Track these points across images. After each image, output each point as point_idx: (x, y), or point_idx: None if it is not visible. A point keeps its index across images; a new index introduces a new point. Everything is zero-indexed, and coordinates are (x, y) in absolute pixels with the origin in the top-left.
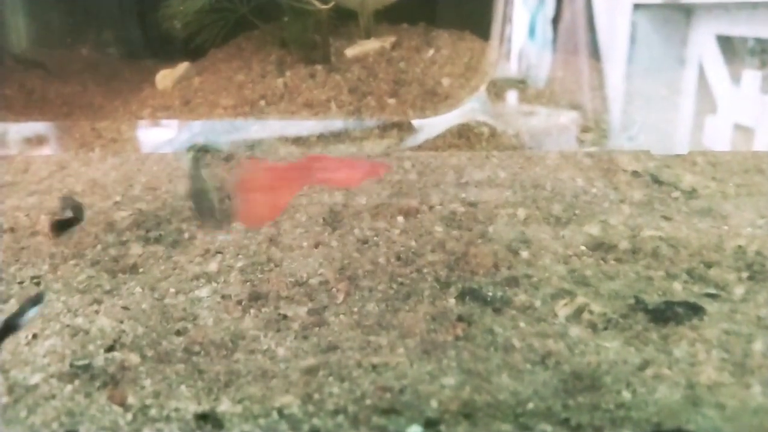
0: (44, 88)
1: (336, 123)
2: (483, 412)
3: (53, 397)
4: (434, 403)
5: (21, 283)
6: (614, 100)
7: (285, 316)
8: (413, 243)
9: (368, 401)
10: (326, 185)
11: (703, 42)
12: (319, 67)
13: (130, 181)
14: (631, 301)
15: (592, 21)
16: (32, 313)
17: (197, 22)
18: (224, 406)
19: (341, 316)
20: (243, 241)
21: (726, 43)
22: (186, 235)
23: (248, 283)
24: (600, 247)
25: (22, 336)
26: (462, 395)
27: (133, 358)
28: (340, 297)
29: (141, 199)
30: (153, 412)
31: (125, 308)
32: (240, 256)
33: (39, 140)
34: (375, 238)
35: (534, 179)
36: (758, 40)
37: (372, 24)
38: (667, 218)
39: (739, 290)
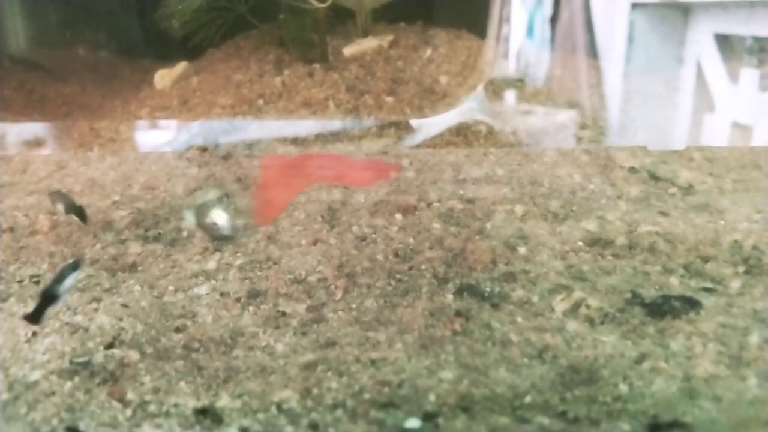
0: (43, 88)
1: (334, 122)
2: (481, 405)
3: (53, 393)
4: (432, 397)
5: (20, 281)
6: (612, 98)
7: (284, 313)
8: (411, 240)
9: (367, 395)
10: (337, 184)
11: (701, 40)
12: (317, 65)
13: (128, 180)
14: (628, 295)
15: (590, 20)
16: (71, 280)
17: (195, 22)
18: (223, 402)
19: (340, 313)
20: (242, 239)
21: (724, 42)
22: (184, 234)
23: (247, 281)
24: (597, 242)
25: (22, 334)
26: (460, 389)
27: (133, 355)
28: (339, 294)
29: (140, 199)
30: (152, 407)
31: (124, 306)
32: (238, 254)
33: (37, 140)
34: (373, 235)
35: (531, 176)
36: (756, 39)
37: (369, 23)
38: (664, 214)
39: (735, 284)
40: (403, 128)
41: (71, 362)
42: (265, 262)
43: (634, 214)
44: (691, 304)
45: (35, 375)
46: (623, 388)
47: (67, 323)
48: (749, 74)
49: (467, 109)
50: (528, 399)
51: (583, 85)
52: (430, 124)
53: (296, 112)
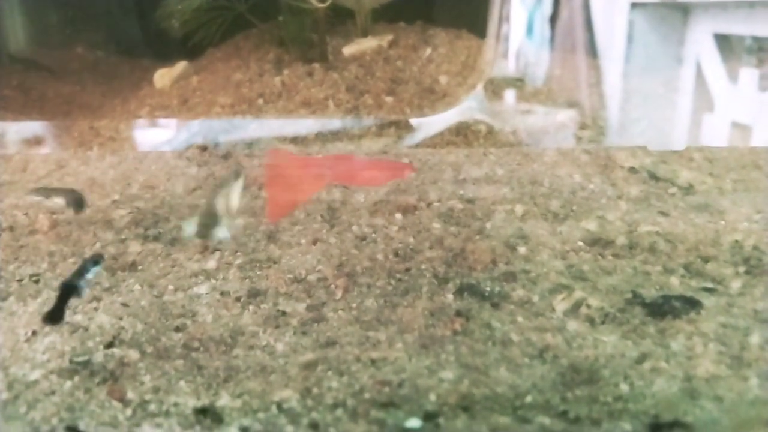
0: (43, 87)
1: (334, 121)
2: (481, 405)
3: (53, 393)
4: (433, 397)
5: (20, 280)
6: (612, 97)
7: (284, 313)
8: (411, 239)
9: (367, 395)
10: (351, 184)
11: (700, 40)
12: (316, 65)
13: (128, 179)
14: (629, 295)
15: (589, 19)
16: (92, 274)
17: (195, 21)
18: (223, 401)
19: (340, 312)
20: (241, 239)
21: (723, 42)
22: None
23: (247, 280)
24: (597, 242)
25: (21, 333)
26: (460, 389)
27: (133, 355)
28: (339, 293)
29: (139, 198)
30: (152, 407)
31: (124, 305)
32: (238, 253)
33: (37, 139)
34: (373, 235)
35: (531, 176)
36: (755, 39)
37: (369, 22)
38: (664, 214)
39: (736, 284)
40: (402, 127)
41: (71, 361)
42: (265, 261)
43: (634, 214)
44: (692, 304)
45: (35, 374)
46: (624, 387)
47: (67, 322)
48: (748, 74)
49: (467, 108)
50: (529, 399)
51: (583, 84)
52: (430, 124)
53: (296, 112)
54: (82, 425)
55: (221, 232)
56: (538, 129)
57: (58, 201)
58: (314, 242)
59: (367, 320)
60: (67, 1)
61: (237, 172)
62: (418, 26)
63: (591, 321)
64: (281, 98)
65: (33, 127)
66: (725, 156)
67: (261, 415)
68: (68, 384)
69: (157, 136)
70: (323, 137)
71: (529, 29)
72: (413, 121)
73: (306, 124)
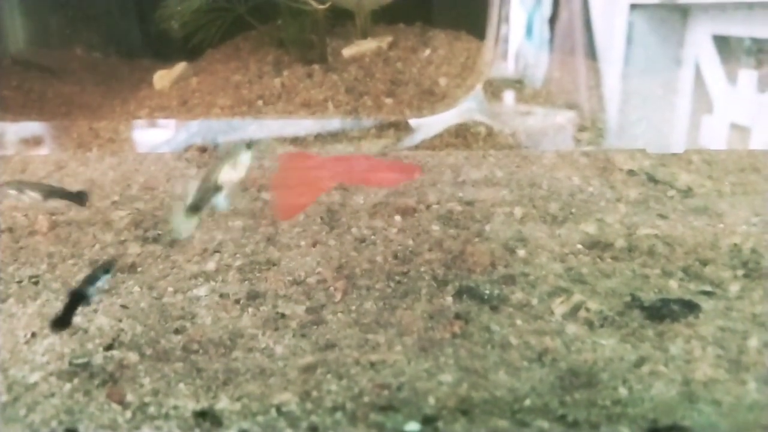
0: (42, 88)
1: (333, 123)
2: (480, 408)
3: (52, 395)
4: (432, 400)
5: (19, 282)
6: (611, 99)
7: (283, 315)
8: (411, 242)
9: (366, 398)
10: (362, 185)
11: (699, 42)
12: (316, 67)
13: (127, 180)
14: (627, 298)
15: (589, 21)
16: (102, 281)
17: (194, 23)
18: (223, 404)
19: (339, 315)
20: (241, 241)
21: (722, 43)
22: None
23: (246, 282)
24: (596, 245)
25: (21, 335)
26: (459, 392)
27: (132, 357)
28: (338, 295)
29: (139, 199)
30: (152, 409)
31: (124, 307)
32: (238, 255)
33: (36, 139)
34: (372, 237)
35: (531, 178)
36: (754, 40)
37: (369, 24)
38: (662, 216)
39: (734, 287)
40: (402, 129)
41: (70, 363)
42: (265, 263)
43: (633, 217)
44: (690, 307)
45: (34, 376)
46: (623, 391)
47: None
48: (747, 75)
49: (466, 109)
50: (527, 402)
51: (582, 86)
52: (429, 125)
53: (295, 113)
54: (81, 428)
55: (221, 202)
56: (537, 130)
57: (33, 195)
58: (313, 244)
59: (367, 323)
60: (66, 2)
61: (249, 142)
62: (417, 28)
63: (590, 324)
64: (281, 100)
65: (32, 127)
66: (724, 159)
67: (260, 418)
68: (68, 386)
69: (156, 136)
70: (322, 138)
71: (529, 31)
72: (412, 122)
73: (305, 125)
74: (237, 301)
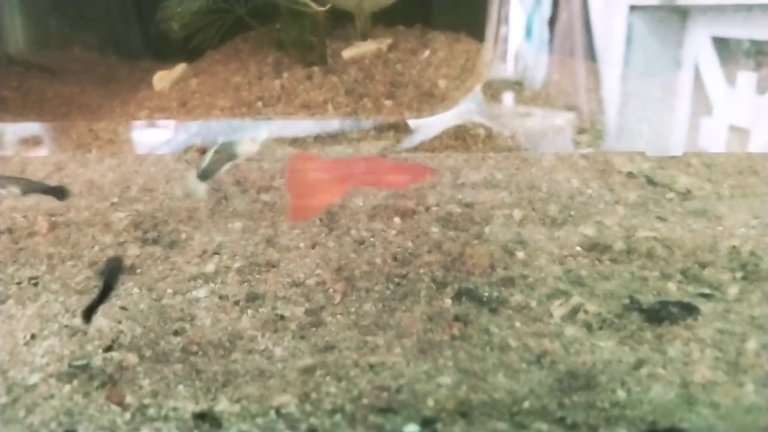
0: (42, 89)
1: (333, 124)
2: (479, 410)
3: (52, 396)
4: (431, 402)
5: (19, 283)
6: (610, 101)
7: (282, 317)
8: (410, 244)
9: (365, 400)
10: (374, 187)
11: (698, 44)
12: (316, 68)
13: (127, 182)
14: (626, 301)
15: (588, 22)
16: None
17: (194, 24)
18: (222, 406)
19: (338, 317)
20: (240, 242)
21: (721, 45)
22: (183, 236)
23: (245, 284)
24: (595, 247)
25: (20, 336)
26: (458, 394)
27: (131, 358)
28: (337, 297)
29: (138, 200)
30: (151, 411)
31: (123, 309)
32: (237, 257)
33: (35, 139)
34: (372, 239)
35: (530, 180)
36: (753, 42)
37: (368, 26)
38: (661, 219)
39: (733, 290)
40: (401, 130)
41: (70, 365)
42: (264, 265)
43: (632, 219)
44: (689, 309)
45: (34, 378)
46: (621, 393)
47: (66, 326)
48: (747, 77)
49: (465, 111)
50: (526, 404)
51: (581, 88)
52: (429, 126)
53: (295, 115)
54: (80, 429)
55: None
56: (536, 132)
57: (12, 190)
58: (313, 246)
59: (366, 325)
60: (66, 2)
61: (264, 128)
62: (417, 30)
63: (588, 326)
64: (280, 101)
65: (31, 128)
66: (723, 161)
67: (259, 420)
68: (67, 388)
69: (155, 137)
70: (322, 140)
71: (528, 32)
72: (411, 123)
73: (305, 126)
74: (236, 303)
